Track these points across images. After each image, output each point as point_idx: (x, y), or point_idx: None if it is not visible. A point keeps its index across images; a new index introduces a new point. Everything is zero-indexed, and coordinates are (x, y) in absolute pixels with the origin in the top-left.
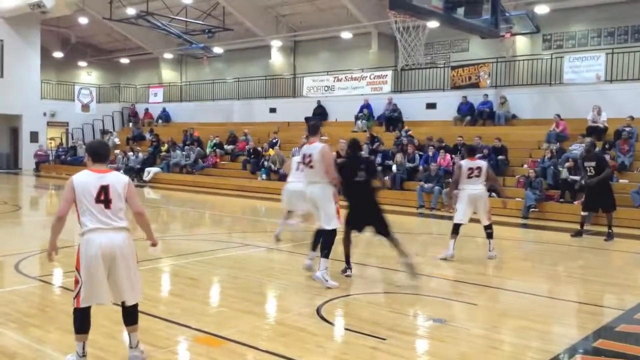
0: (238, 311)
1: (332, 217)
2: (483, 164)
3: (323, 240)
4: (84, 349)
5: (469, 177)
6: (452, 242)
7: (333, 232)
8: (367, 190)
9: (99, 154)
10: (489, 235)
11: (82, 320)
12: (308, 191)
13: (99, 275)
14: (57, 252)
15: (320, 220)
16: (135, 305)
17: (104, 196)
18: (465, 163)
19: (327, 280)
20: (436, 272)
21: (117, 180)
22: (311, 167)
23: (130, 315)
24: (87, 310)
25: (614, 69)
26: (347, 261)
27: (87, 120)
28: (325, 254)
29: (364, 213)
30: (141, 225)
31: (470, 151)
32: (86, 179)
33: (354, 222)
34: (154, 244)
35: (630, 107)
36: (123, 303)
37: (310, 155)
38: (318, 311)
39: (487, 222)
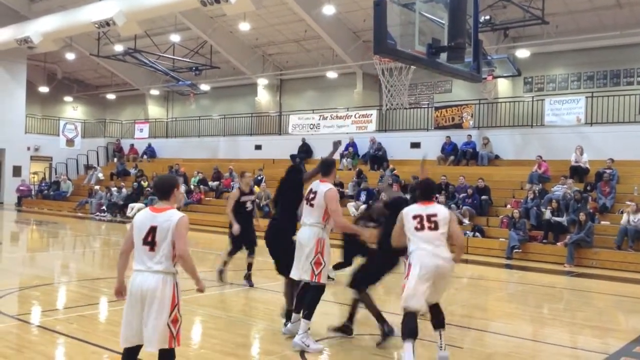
0: (220, 353)
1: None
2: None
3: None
4: None
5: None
6: None
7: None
8: None
9: (157, 190)
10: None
11: None
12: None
13: (130, 317)
14: (124, 290)
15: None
16: (165, 353)
17: (150, 238)
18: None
19: (308, 345)
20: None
21: (167, 220)
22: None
23: None
24: (128, 351)
25: (594, 112)
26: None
27: (72, 155)
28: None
29: None
30: (184, 269)
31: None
32: (142, 218)
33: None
34: (199, 289)
35: (610, 150)
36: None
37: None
38: (302, 353)
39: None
